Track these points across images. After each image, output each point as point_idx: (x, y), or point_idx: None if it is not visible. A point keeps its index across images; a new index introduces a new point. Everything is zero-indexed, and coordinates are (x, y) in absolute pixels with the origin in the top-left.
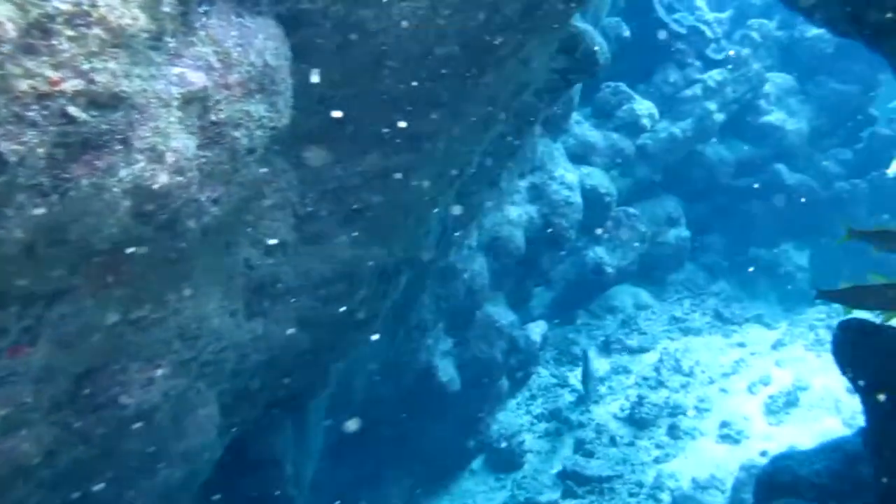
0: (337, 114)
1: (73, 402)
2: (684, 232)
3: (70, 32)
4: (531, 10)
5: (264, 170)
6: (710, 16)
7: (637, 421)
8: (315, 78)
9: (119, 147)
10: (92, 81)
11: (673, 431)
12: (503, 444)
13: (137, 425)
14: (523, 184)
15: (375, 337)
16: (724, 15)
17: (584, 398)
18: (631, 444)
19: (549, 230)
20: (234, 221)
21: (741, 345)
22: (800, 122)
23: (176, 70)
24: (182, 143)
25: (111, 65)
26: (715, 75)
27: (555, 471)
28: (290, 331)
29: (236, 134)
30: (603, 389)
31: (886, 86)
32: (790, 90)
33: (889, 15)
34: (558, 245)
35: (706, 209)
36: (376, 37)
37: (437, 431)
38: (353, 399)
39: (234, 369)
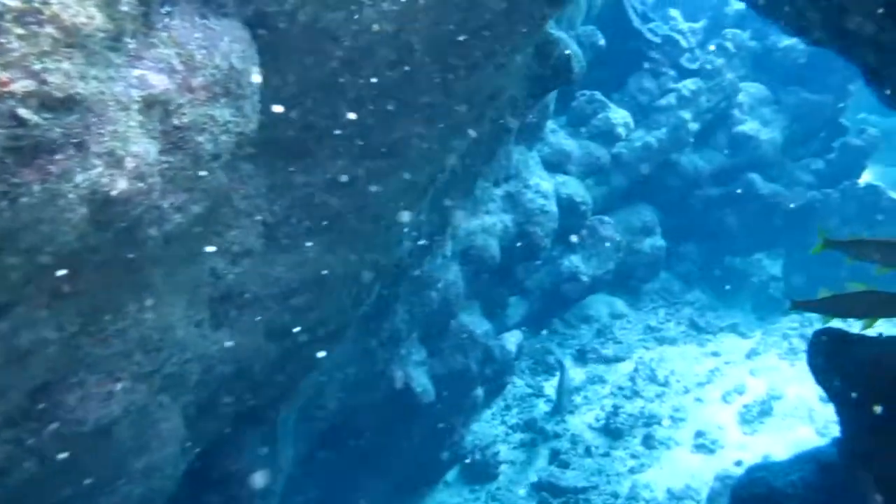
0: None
1: (26, 417)
2: (659, 241)
3: (20, 31)
4: (505, 16)
5: (231, 176)
6: (685, 25)
7: (612, 431)
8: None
9: (74, 151)
10: (44, 82)
11: (648, 441)
12: (478, 456)
13: (95, 441)
14: (498, 192)
15: (345, 348)
16: (699, 25)
17: (556, 410)
18: (606, 454)
19: (524, 240)
20: (199, 229)
21: (716, 354)
22: (773, 132)
23: (136, 72)
24: (143, 148)
25: (65, 65)
26: (689, 84)
27: (530, 482)
28: (258, 341)
29: (200, 139)
30: (578, 399)
31: (857, 96)
32: (763, 100)
33: (867, 21)
34: (533, 254)
35: (681, 218)
36: (346, 41)
37: (411, 443)
38: (325, 410)
39: (199, 381)
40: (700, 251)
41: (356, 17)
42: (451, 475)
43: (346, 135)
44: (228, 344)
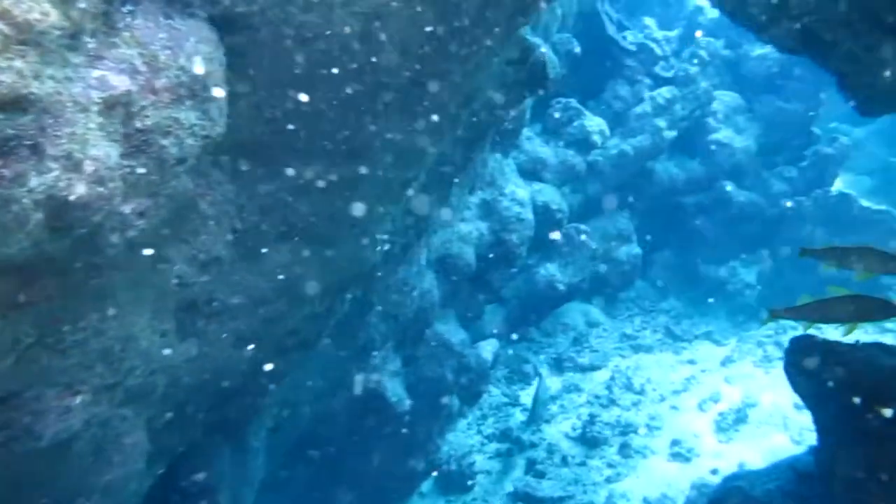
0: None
1: None
2: (635, 249)
3: None
4: (479, 20)
5: (197, 181)
6: (659, 34)
7: (589, 440)
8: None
9: (29, 154)
10: None
11: (624, 450)
12: (453, 466)
13: (53, 456)
14: (474, 199)
15: (317, 357)
16: (673, 33)
17: (532, 419)
18: (582, 463)
19: (500, 247)
20: (164, 236)
21: (691, 362)
22: (747, 140)
23: (96, 72)
24: (103, 152)
25: (17, 63)
26: (664, 93)
27: (506, 492)
28: (227, 351)
29: (164, 142)
30: (554, 408)
31: (828, 105)
32: (737, 108)
33: (839, 30)
34: (509, 262)
35: (657, 226)
36: (317, 43)
37: (386, 452)
38: (296, 420)
39: (164, 393)
40: (676, 259)
41: (328, 18)
42: (426, 486)
43: (317, 139)
44: (195, 354)
